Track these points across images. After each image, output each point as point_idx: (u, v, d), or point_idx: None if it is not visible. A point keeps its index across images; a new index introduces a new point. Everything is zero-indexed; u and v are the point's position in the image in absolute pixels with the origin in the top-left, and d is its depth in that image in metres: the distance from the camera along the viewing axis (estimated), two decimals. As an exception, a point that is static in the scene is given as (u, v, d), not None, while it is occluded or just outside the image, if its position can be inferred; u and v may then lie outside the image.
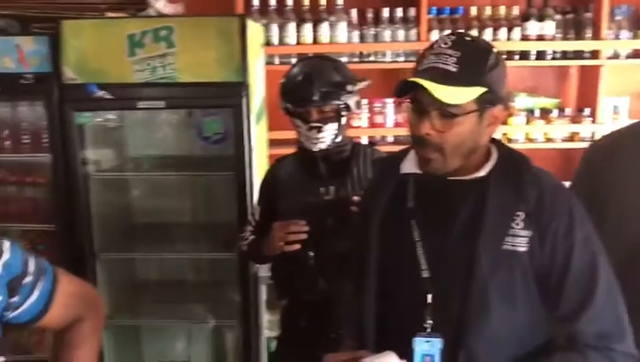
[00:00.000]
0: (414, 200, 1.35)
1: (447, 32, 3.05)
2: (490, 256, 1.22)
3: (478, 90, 1.19)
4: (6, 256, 1.08)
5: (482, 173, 1.29)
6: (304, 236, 1.84)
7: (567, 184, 1.49)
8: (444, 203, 1.30)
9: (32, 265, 1.14)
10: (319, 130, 1.86)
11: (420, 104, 1.22)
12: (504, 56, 3.09)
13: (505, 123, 3.24)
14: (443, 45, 1.22)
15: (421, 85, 1.17)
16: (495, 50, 1.25)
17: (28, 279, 1.12)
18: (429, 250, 1.30)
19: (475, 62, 1.20)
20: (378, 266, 1.38)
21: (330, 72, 1.89)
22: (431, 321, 1.28)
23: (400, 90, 1.24)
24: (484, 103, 1.21)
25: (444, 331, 1.27)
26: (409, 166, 1.36)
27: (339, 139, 1.93)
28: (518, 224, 1.23)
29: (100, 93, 2.39)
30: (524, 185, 1.25)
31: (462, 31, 1.32)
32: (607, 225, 1.43)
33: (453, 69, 1.18)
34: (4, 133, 2.66)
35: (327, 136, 1.88)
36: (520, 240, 1.22)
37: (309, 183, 1.96)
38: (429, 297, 1.28)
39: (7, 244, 1.10)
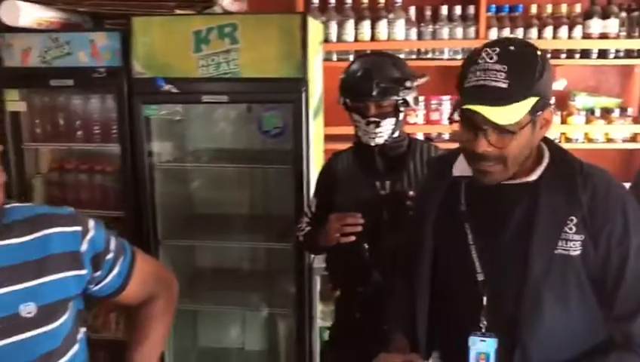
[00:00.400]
0: (466, 203, 1.37)
1: (506, 30, 3.05)
2: (542, 259, 1.23)
3: (530, 102, 1.18)
4: (91, 233, 1.18)
5: (534, 176, 1.29)
6: (359, 228, 1.87)
7: (627, 185, 1.48)
8: (496, 206, 1.31)
9: (113, 244, 1.24)
10: (377, 124, 1.89)
11: (474, 122, 1.21)
12: (564, 55, 3.09)
13: (564, 122, 3.20)
14: (489, 60, 1.19)
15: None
16: (539, 52, 1.22)
17: (110, 256, 1.22)
18: (483, 253, 1.32)
19: (525, 74, 1.18)
20: (432, 268, 1.42)
21: (390, 68, 1.92)
22: (486, 322, 1.31)
23: (452, 112, 1.24)
24: (536, 111, 1.20)
25: (499, 331, 1.29)
26: (461, 168, 1.37)
27: (396, 134, 1.96)
28: (571, 228, 1.23)
29: (167, 87, 2.50)
30: (576, 190, 1.24)
31: (503, 38, 1.30)
32: None
33: (504, 85, 1.16)
34: (77, 123, 2.81)
35: (385, 131, 1.91)
36: (573, 244, 1.23)
37: (366, 177, 2.00)
38: (485, 300, 1.31)
39: (92, 223, 1.20)
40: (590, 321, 1.27)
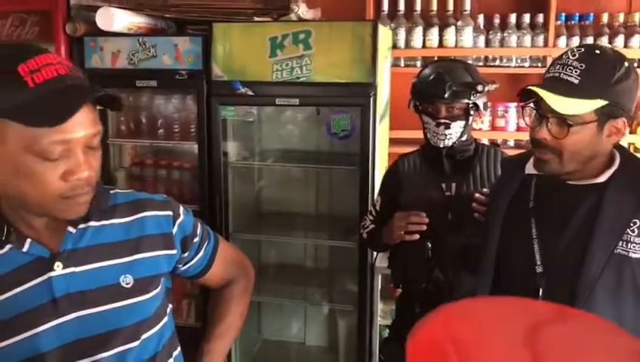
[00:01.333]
0: (535, 200, 1.43)
1: (575, 39, 3.03)
2: (601, 257, 1.28)
3: (598, 103, 1.24)
4: (181, 218, 1.32)
5: (602, 178, 1.34)
6: (424, 227, 1.94)
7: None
8: (562, 204, 1.37)
9: (199, 229, 1.37)
10: (447, 126, 1.95)
11: (540, 109, 1.30)
12: (635, 64, 3.05)
13: (633, 132, 3.15)
14: (571, 57, 1.28)
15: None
16: (627, 63, 1.28)
17: (196, 239, 1.35)
18: (544, 246, 1.38)
19: (599, 76, 1.25)
20: (497, 259, 1.48)
21: (462, 72, 1.98)
22: None
23: (522, 95, 1.33)
24: (605, 115, 1.26)
25: None
26: (533, 166, 1.44)
27: (464, 137, 2.01)
28: (633, 231, 1.27)
29: (243, 90, 2.65)
30: None
31: (596, 44, 1.36)
32: None
33: (575, 81, 1.24)
34: (158, 122, 3.00)
35: (454, 133, 1.97)
36: (633, 247, 1.27)
37: (432, 179, 2.07)
38: (541, 291, 1.36)
39: (182, 209, 1.34)
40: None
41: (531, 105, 1.33)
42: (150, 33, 2.80)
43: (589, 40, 3.09)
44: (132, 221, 1.25)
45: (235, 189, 2.99)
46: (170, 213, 1.31)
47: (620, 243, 1.28)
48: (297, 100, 2.64)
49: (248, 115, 3.02)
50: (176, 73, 2.73)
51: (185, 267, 1.36)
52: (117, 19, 2.58)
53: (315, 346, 3.43)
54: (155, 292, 1.25)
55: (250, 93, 2.65)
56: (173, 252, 1.30)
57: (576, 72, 1.26)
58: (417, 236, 1.94)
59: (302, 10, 2.59)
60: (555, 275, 1.36)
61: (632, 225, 1.28)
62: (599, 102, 1.25)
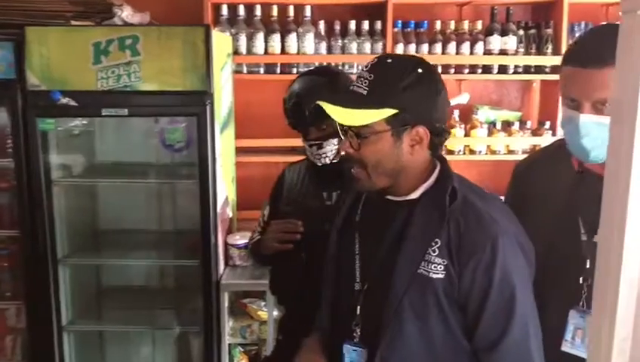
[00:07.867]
0: (361, 215, 1.41)
1: (412, 45, 3.09)
2: (404, 276, 1.24)
3: (387, 112, 1.20)
4: None
5: (415, 195, 1.30)
6: (298, 236, 1.82)
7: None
8: (380, 220, 1.34)
9: None
10: (319, 146, 1.86)
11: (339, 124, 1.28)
12: (467, 70, 3.20)
13: (467, 135, 3.31)
14: (364, 68, 1.25)
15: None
16: (421, 70, 1.23)
17: None
18: (363, 263, 1.35)
19: (386, 84, 1.21)
20: (334, 275, 1.44)
21: (322, 91, 1.85)
22: (359, 331, 1.33)
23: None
24: (397, 124, 1.22)
25: (369, 342, 1.30)
26: None
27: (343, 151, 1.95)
28: (435, 251, 1.22)
29: (64, 101, 2.40)
30: (444, 214, 1.23)
31: (397, 54, 1.33)
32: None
33: (364, 92, 1.22)
34: (-32, 138, 2.65)
35: (329, 151, 1.87)
36: (434, 267, 1.22)
37: (314, 188, 1.97)
38: (358, 309, 1.33)
39: None
40: (452, 344, 1.26)
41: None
42: (-49, 38, 2.46)
43: (425, 47, 3.20)
44: None
45: (65, 209, 2.71)
46: None
47: (423, 263, 1.23)
48: (126, 110, 2.44)
49: (76, 126, 2.76)
50: (-16, 83, 2.43)
51: None
52: None
53: (166, 370, 3.22)
54: None
55: (72, 103, 2.41)
56: None
57: (365, 82, 1.22)
58: (291, 245, 1.82)
59: (126, 14, 2.40)
60: (370, 293, 1.32)
61: (433, 244, 1.23)
62: (388, 111, 1.21)
